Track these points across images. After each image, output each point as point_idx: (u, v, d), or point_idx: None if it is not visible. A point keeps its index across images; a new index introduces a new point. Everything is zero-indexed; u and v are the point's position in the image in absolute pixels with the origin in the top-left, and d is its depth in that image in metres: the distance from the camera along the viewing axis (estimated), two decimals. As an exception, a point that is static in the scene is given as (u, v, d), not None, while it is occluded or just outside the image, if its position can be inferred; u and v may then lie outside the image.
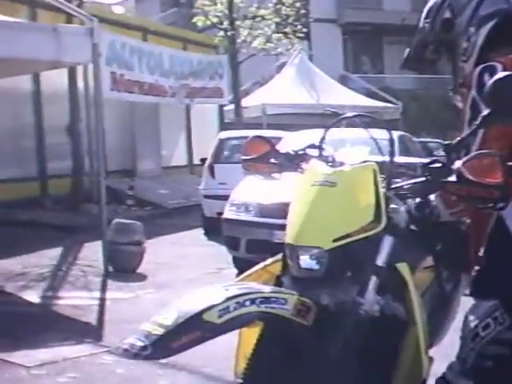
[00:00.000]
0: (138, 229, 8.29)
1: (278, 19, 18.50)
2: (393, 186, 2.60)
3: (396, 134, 9.28)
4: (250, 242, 7.57)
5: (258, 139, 2.97)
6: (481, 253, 2.63)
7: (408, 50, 2.92)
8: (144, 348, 2.15)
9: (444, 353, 2.80)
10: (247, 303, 2.27)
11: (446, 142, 2.59)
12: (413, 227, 2.65)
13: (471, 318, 2.59)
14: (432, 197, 2.61)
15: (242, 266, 6.45)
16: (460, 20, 2.70)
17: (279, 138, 9.37)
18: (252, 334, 2.54)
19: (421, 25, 2.83)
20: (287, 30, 18.79)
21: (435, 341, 2.87)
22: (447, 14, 2.71)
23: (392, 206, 2.55)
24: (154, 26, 18.98)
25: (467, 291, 3.00)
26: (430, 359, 2.63)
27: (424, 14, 2.82)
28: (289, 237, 2.50)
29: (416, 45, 2.88)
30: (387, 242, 2.47)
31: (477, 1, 2.70)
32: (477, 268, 2.64)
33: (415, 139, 11.67)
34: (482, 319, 2.55)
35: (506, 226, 2.56)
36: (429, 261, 2.78)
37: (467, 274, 2.91)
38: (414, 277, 2.55)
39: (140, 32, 17.37)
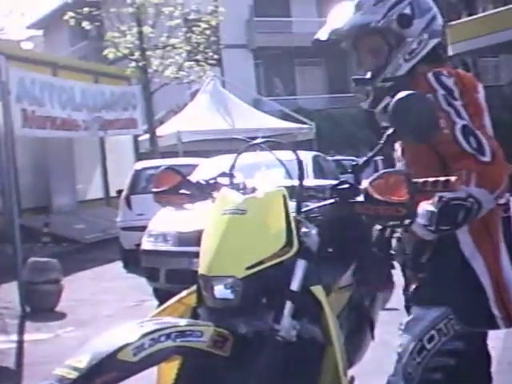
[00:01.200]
0: (54, 266, 8.13)
1: (188, 47, 18.50)
2: (303, 210, 2.60)
3: (309, 155, 9.40)
4: (170, 272, 7.50)
5: (168, 171, 2.94)
6: (423, 260, 2.66)
7: None
8: None
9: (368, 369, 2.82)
10: (162, 338, 2.22)
11: (354, 163, 2.62)
12: (327, 249, 2.67)
13: (411, 332, 2.60)
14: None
15: (162, 297, 6.38)
16: (418, 21, 2.75)
17: (195, 166, 9.36)
18: (171, 369, 2.49)
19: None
20: (199, 57, 18.80)
21: (355, 359, 2.88)
22: (407, 10, 2.75)
23: (303, 229, 2.55)
24: (63, 61, 18.78)
25: (385, 306, 3.04)
26: (352, 378, 2.63)
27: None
28: (202, 268, 2.46)
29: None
30: (300, 266, 2.47)
31: (434, 13, 2.79)
32: (419, 275, 2.66)
33: (329, 158, 11.84)
34: (425, 332, 2.57)
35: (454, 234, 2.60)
36: (344, 281, 2.80)
37: (383, 290, 2.94)
38: (330, 298, 2.56)
39: (49, 67, 17.11)
